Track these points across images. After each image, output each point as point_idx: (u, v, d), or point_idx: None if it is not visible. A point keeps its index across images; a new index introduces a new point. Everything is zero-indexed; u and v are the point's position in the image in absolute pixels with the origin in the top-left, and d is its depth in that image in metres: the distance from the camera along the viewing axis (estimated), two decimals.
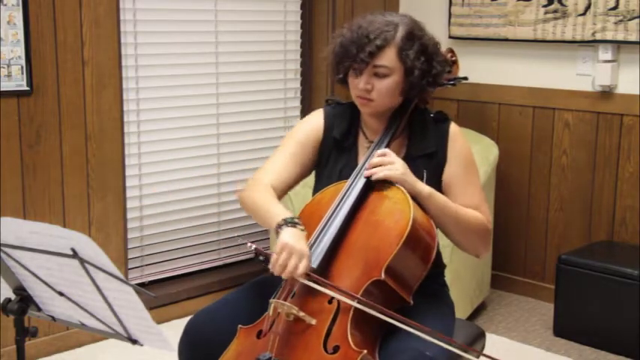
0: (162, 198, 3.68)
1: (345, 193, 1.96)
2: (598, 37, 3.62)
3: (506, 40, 3.95)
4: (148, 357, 2.48)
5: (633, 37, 3.52)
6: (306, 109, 4.08)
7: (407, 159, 2.02)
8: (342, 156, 2.13)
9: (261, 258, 1.83)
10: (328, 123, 2.16)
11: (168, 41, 3.63)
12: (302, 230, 1.87)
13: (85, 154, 3.28)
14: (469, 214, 2.02)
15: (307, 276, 1.81)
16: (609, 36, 3.59)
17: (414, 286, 1.90)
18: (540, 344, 3.49)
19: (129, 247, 3.54)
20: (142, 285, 3.61)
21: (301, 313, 1.79)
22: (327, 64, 2.14)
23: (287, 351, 1.78)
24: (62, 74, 3.17)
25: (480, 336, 2.26)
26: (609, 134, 3.70)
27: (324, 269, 1.86)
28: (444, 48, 2.18)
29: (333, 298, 1.81)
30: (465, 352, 1.95)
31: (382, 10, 2.21)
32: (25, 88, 3.07)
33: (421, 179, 1.99)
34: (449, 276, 2.26)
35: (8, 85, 3.02)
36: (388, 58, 2.00)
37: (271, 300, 1.87)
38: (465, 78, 2.30)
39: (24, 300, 1.67)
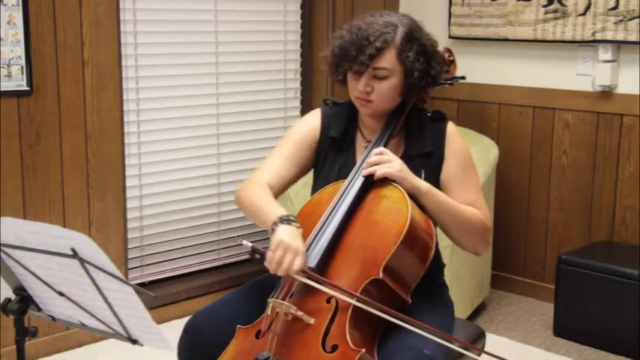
0: (162, 198, 3.68)
1: (343, 193, 1.96)
2: (598, 37, 3.62)
3: (506, 40, 3.95)
4: (148, 357, 2.48)
5: (633, 37, 3.52)
6: (306, 109, 4.07)
7: (405, 158, 2.02)
8: (340, 155, 2.13)
9: (256, 256, 1.83)
10: (325, 123, 2.16)
11: (168, 41, 3.63)
12: (297, 228, 1.88)
13: (85, 154, 3.28)
14: (467, 211, 2.02)
15: (304, 274, 1.81)
16: (609, 36, 3.59)
17: (412, 285, 1.91)
18: (540, 344, 3.49)
19: (129, 247, 3.54)
20: (142, 285, 3.61)
21: (299, 313, 1.79)
22: (327, 65, 2.13)
23: (285, 350, 1.78)
24: (62, 74, 3.17)
25: (480, 336, 2.26)
26: (609, 134, 3.70)
27: (323, 268, 1.86)
28: (443, 47, 2.18)
29: (331, 297, 1.81)
30: (466, 349, 1.95)
31: (382, 9, 2.19)
32: (25, 88, 3.07)
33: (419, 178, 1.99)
34: (449, 276, 2.26)
35: (8, 85, 3.02)
36: (388, 60, 2.00)
37: (269, 299, 1.87)
38: (463, 77, 2.30)
39: (24, 300, 1.67)
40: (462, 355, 1.95)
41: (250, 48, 3.93)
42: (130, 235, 3.54)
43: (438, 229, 2.07)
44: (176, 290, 3.68)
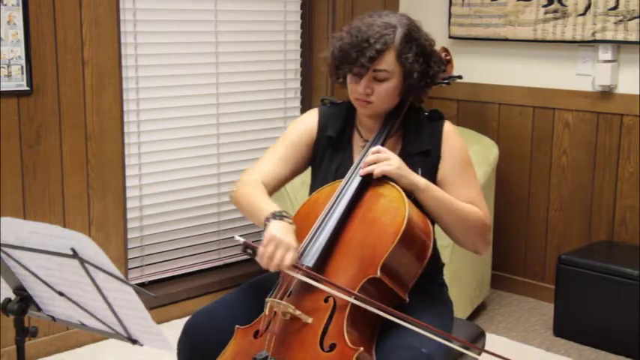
0: (162, 198, 3.68)
1: (341, 192, 1.97)
2: (598, 37, 3.62)
3: (506, 40, 3.95)
4: (148, 357, 2.49)
5: (633, 37, 3.52)
6: (306, 109, 4.07)
7: (402, 156, 2.02)
8: (337, 155, 2.14)
9: (249, 251, 1.84)
10: (322, 122, 2.17)
11: (168, 41, 3.63)
12: (290, 224, 1.89)
13: (85, 154, 3.28)
14: (466, 208, 2.02)
15: (302, 272, 1.82)
16: (609, 36, 3.59)
17: (410, 283, 1.91)
18: (540, 344, 3.49)
19: (129, 247, 3.54)
20: (142, 285, 3.61)
21: (297, 312, 1.80)
22: (327, 67, 2.13)
23: (283, 350, 1.78)
24: (62, 74, 3.17)
25: (480, 336, 2.26)
26: (609, 134, 3.70)
27: (320, 267, 1.87)
28: (440, 47, 2.18)
29: (329, 296, 1.82)
30: (467, 349, 1.95)
31: (382, 9, 2.19)
32: (25, 88, 3.07)
33: None
34: (449, 276, 2.26)
35: (8, 85, 3.02)
36: (388, 62, 2.00)
37: (267, 299, 1.87)
38: (460, 77, 2.31)
39: (24, 300, 1.67)
40: (461, 354, 1.95)
41: (250, 48, 3.93)
42: (130, 235, 3.54)
43: (438, 228, 2.07)
44: (176, 290, 3.68)
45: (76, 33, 3.18)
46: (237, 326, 1.92)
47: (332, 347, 1.75)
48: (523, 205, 4.04)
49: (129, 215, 3.50)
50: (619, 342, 3.35)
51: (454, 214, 2.01)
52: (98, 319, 1.64)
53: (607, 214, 3.75)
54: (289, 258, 1.80)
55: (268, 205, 1.96)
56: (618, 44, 3.61)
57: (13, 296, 1.68)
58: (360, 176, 1.97)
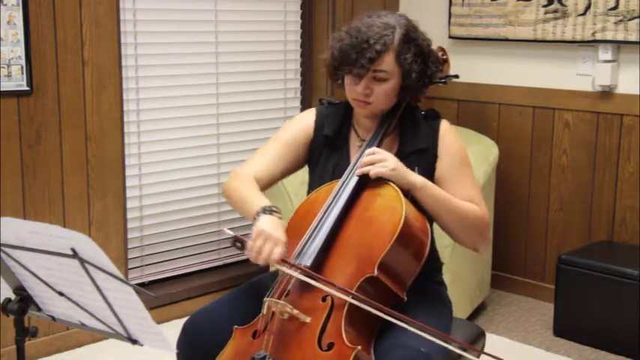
0: (162, 198, 3.68)
1: (338, 192, 1.97)
2: (598, 37, 3.62)
3: (506, 40, 3.95)
4: (148, 357, 2.49)
5: (633, 37, 3.52)
6: (305, 109, 4.06)
7: (399, 155, 2.02)
8: (334, 154, 2.14)
9: (238, 244, 1.85)
10: (319, 122, 2.18)
11: (168, 41, 3.63)
12: (280, 218, 1.90)
13: (85, 154, 3.28)
14: (464, 205, 2.02)
15: (291, 266, 1.82)
16: (609, 36, 3.59)
17: (408, 282, 1.91)
18: (540, 344, 3.49)
19: (129, 247, 3.54)
20: (142, 285, 3.61)
21: (295, 311, 1.80)
22: (325, 67, 2.13)
23: (282, 349, 1.79)
24: (62, 74, 3.17)
25: (480, 336, 2.26)
26: (609, 134, 3.70)
27: (318, 267, 1.87)
28: (437, 46, 2.19)
29: (327, 295, 1.82)
30: (465, 350, 1.95)
31: (382, 9, 2.19)
32: (25, 88, 3.07)
33: None
34: (449, 276, 2.26)
35: (8, 85, 3.02)
36: (387, 62, 2.01)
37: (265, 299, 1.87)
38: (456, 76, 2.31)
39: (24, 300, 1.67)
40: (457, 353, 1.95)
41: (250, 48, 3.93)
42: (130, 235, 3.54)
43: (437, 228, 2.07)
44: (176, 290, 3.68)
45: (76, 33, 3.18)
46: (235, 326, 1.92)
47: (330, 346, 1.75)
48: (523, 205, 4.04)
49: (129, 215, 3.50)
50: (619, 342, 3.35)
51: (452, 212, 2.01)
52: (98, 319, 1.64)
53: (607, 214, 3.75)
54: (277, 252, 1.81)
55: (259, 200, 1.97)
56: (618, 44, 3.61)
57: (13, 296, 1.68)
58: (357, 176, 1.97)
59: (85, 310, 1.64)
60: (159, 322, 2.79)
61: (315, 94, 4.13)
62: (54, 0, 3.10)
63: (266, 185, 2.13)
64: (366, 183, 1.97)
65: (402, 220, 1.85)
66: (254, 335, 1.87)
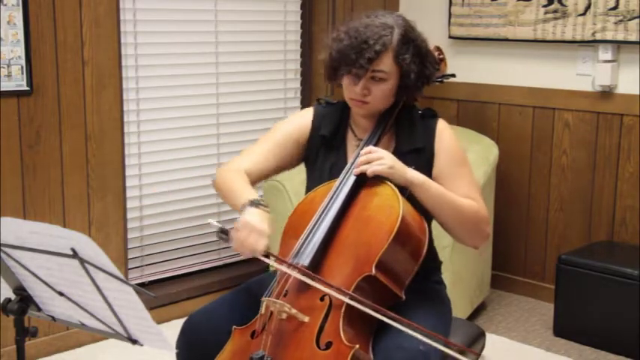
0: (162, 198, 3.68)
1: (336, 191, 1.98)
2: (598, 37, 3.62)
3: (506, 40, 3.95)
4: (148, 357, 2.49)
5: (633, 37, 3.52)
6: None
7: (396, 154, 2.02)
8: (331, 154, 2.14)
9: (223, 236, 1.86)
10: (316, 121, 2.18)
11: (168, 41, 3.63)
12: (266, 212, 1.90)
13: (85, 154, 3.28)
14: (463, 202, 2.03)
15: (266, 256, 1.82)
16: (609, 36, 3.59)
17: (406, 281, 1.91)
18: (540, 344, 3.49)
19: (129, 247, 3.54)
20: (142, 285, 3.61)
21: (293, 311, 1.80)
22: (324, 68, 2.13)
23: (280, 349, 1.79)
24: (62, 74, 3.17)
25: (480, 336, 2.26)
26: (609, 134, 3.70)
27: (316, 266, 1.87)
28: (434, 46, 2.19)
29: (325, 295, 1.82)
30: (462, 353, 1.95)
31: (382, 9, 2.19)
32: (25, 88, 3.07)
33: None
34: (449, 276, 2.26)
35: (8, 85, 3.02)
36: (386, 63, 2.01)
37: (263, 298, 1.88)
38: (453, 75, 2.32)
39: (24, 300, 1.67)
40: (461, 351, 1.95)
41: (250, 48, 3.93)
42: (130, 235, 3.54)
43: (436, 227, 2.07)
44: (176, 290, 3.68)
45: (76, 33, 3.19)
46: (234, 327, 1.92)
47: (328, 345, 1.75)
48: (523, 205, 4.04)
49: (129, 215, 3.50)
50: (619, 342, 3.35)
51: (451, 209, 2.01)
52: (98, 319, 1.64)
53: (607, 214, 3.75)
54: (262, 244, 1.82)
55: (248, 193, 1.97)
56: (618, 44, 3.61)
57: (13, 296, 1.68)
58: (354, 175, 1.97)
59: (85, 310, 1.64)
60: (159, 322, 2.79)
61: (314, 94, 4.13)
62: (54, 0, 3.10)
63: (256, 180, 2.13)
64: (363, 182, 1.98)
65: (400, 219, 1.85)
66: (252, 335, 1.88)
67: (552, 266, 3.76)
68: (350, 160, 2.05)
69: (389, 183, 1.95)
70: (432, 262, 2.13)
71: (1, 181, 3.04)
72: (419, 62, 2.05)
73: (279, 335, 1.81)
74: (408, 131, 2.11)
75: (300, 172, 2.27)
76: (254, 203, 1.90)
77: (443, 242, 2.19)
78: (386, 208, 1.90)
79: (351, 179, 1.98)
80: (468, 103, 4.18)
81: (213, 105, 3.81)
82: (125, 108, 3.43)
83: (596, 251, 3.60)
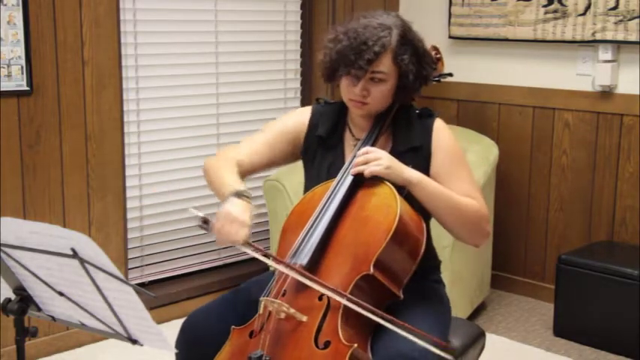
0: (162, 198, 3.68)
1: (333, 191, 1.98)
2: (598, 37, 3.62)
3: (506, 40, 3.95)
4: (148, 357, 2.49)
5: (633, 37, 3.52)
6: None
7: (393, 154, 2.02)
8: (329, 154, 2.15)
9: (203, 225, 1.85)
10: (314, 121, 2.18)
11: (168, 41, 3.63)
12: (249, 203, 1.89)
13: (85, 154, 3.28)
14: (462, 200, 2.02)
15: (248, 245, 1.82)
16: (609, 36, 3.59)
17: (404, 280, 1.92)
18: (540, 344, 3.49)
19: (129, 247, 3.54)
20: (142, 285, 3.61)
21: (292, 310, 1.80)
22: (322, 68, 2.13)
23: (278, 348, 1.79)
24: (62, 74, 3.17)
25: (480, 336, 2.26)
26: (609, 134, 3.70)
27: (314, 266, 1.87)
28: (430, 45, 2.19)
29: (323, 294, 1.82)
30: (460, 357, 1.95)
31: (382, 9, 2.19)
32: (25, 88, 3.07)
33: None
34: (449, 276, 2.26)
35: (8, 85, 3.02)
36: (385, 64, 2.01)
37: (261, 298, 1.88)
38: (450, 74, 2.32)
39: (24, 300, 1.67)
40: (462, 352, 1.95)
41: (250, 48, 3.93)
42: (130, 235, 3.54)
43: (435, 227, 2.07)
44: (176, 290, 3.68)
45: (76, 33, 3.19)
46: (232, 327, 1.92)
47: (326, 344, 1.75)
48: (523, 205, 4.04)
49: (129, 215, 3.50)
50: (619, 342, 3.35)
51: (450, 207, 2.01)
52: (98, 319, 1.64)
53: (607, 214, 3.75)
54: (242, 234, 1.81)
55: (235, 183, 1.96)
56: (618, 44, 3.61)
57: (13, 296, 1.68)
58: (352, 176, 1.98)
59: (85, 310, 1.64)
60: (159, 322, 2.78)
61: (314, 94, 4.13)
62: (54, 0, 3.11)
63: (247, 172, 2.12)
64: (361, 182, 1.98)
65: (397, 218, 1.86)
66: (251, 335, 1.88)
67: (552, 266, 3.76)
68: (347, 160, 2.05)
69: (387, 182, 1.95)
70: (430, 261, 2.13)
71: (1, 181, 3.04)
72: (417, 62, 2.05)
73: (277, 335, 1.81)
74: (405, 130, 2.11)
75: (299, 172, 2.27)
76: (237, 194, 1.90)
77: (443, 242, 2.19)
78: (383, 208, 1.90)
79: (349, 179, 1.98)
80: (468, 103, 4.18)
81: (213, 105, 3.81)
82: (125, 108, 3.43)
83: (596, 251, 3.60)
